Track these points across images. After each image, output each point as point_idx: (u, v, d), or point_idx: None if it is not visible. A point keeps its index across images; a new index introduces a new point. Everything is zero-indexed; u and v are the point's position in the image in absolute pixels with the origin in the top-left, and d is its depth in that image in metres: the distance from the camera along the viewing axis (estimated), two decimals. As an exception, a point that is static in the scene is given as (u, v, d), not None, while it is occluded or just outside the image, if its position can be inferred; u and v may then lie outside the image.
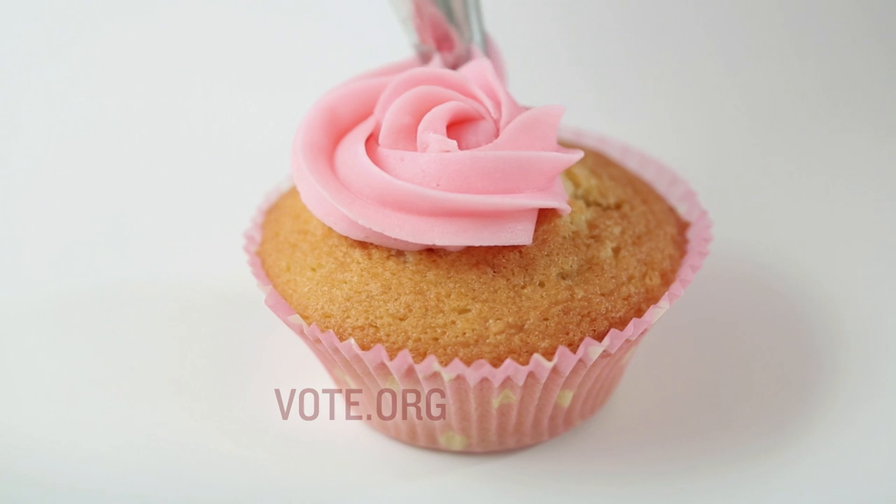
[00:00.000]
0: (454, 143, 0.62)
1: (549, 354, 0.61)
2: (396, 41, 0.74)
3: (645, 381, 0.70)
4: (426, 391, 0.63)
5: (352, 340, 0.62)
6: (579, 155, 0.64)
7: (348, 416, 0.69)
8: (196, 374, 0.71)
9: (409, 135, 0.63)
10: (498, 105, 0.64)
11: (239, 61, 0.88)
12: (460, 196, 0.61)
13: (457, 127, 0.64)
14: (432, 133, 0.62)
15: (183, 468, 0.66)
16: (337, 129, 0.65)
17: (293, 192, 0.69)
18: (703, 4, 0.91)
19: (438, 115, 0.63)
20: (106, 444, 0.67)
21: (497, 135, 0.64)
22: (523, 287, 0.62)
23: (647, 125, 0.75)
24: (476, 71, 0.66)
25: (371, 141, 0.64)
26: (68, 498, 0.65)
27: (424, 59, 0.68)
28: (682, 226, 0.69)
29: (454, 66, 0.67)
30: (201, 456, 0.67)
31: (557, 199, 0.62)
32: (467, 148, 0.63)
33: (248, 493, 0.65)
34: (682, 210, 0.70)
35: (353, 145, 0.64)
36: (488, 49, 0.68)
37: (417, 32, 0.67)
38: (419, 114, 0.63)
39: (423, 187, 0.61)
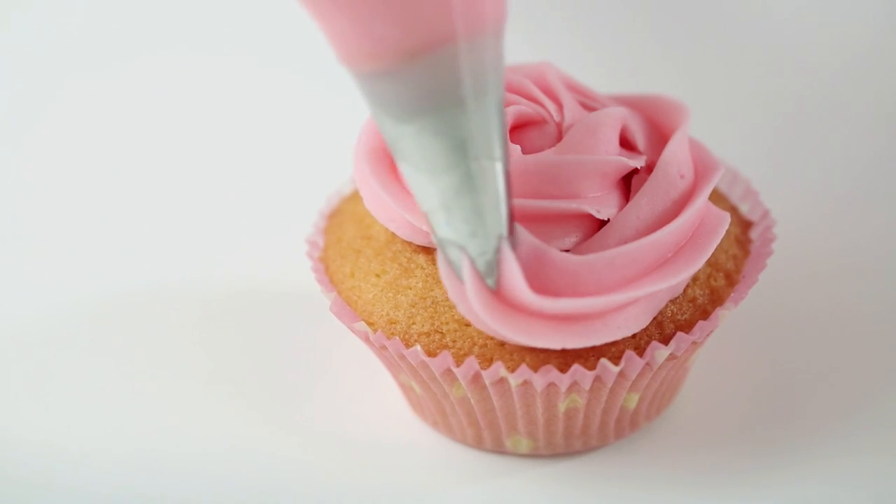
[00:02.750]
0: (518, 147, 0.62)
1: (615, 358, 0.61)
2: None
3: (710, 382, 0.70)
4: (492, 396, 0.63)
5: (418, 347, 0.62)
6: (643, 159, 0.63)
7: (414, 421, 0.69)
8: (260, 380, 0.72)
9: (472, 140, 0.63)
10: (560, 107, 0.64)
11: (304, 64, 0.88)
12: (524, 201, 0.61)
13: (519, 130, 0.64)
14: (496, 138, 0.62)
15: (246, 472, 0.66)
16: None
17: (355, 197, 0.69)
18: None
19: (501, 120, 0.63)
20: (167, 449, 0.68)
21: (559, 138, 0.63)
22: (590, 291, 0.62)
23: (706, 122, 0.74)
24: (537, 74, 0.66)
25: (434, 147, 0.64)
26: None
27: (451, 252, 0.60)
28: (745, 225, 0.68)
29: (490, 265, 0.60)
30: (265, 461, 0.67)
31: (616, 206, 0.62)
32: (530, 152, 0.63)
33: (313, 497, 0.65)
34: (744, 209, 0.70)
35: (417, 150, 0.64)
36: (518, 244, 0.60)
37: (445, 226, 0.59)
38: (482, 118, 0.63)
39: None
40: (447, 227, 0.59)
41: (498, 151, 0.58)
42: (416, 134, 0.57)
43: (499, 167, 0.58)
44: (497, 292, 0.59)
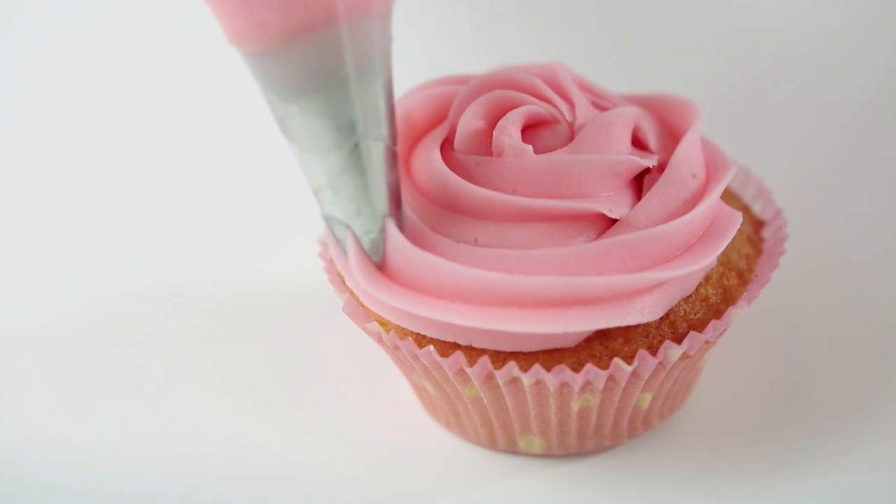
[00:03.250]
0: (530, 147, 0.62)
1: (628, 358, 0.61)
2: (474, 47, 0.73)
3: (723, 381, 0.70)
4: (506, 396, 0.63)
5: (431, 347, 0.62)
6: (655, 158, 0.63)
7: (427, 422, 0.69)
8: (273, 380, 0.72)
9: (483, 139, 0.63)
10: (572, 107, 0.64)
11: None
12: (536, 201, 0.61)
13: (531, 130, 0.64)
14: (507, 138, 0.62)
15: (258, 473, 0.66)
16: (412, 133, 0.66)
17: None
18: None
19: (513, 120, 0.63)
20: (180, 450, 0.68)
21: (572, 138, 0.64)
22: (602, 291, 0.62)
23: (718, 121, 0.74)
24: (549, 73, 0.66)
25: (446, 146, 0.64)
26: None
27: (338, 229, 0.62)
28: (758, 224, 0.68)
29: (376, 243, 0.61)
30: (277, 461, 0.67)
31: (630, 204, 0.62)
32: (542, 152, 0.63)
33: (326, 498, 0.65)
34: (757, 208, 0.70)
35: (429, 150, 0.64)
36: (404, 223, 0.62)
37: (331, 204, 0.61)
38: (493, 118, 0.64)
39: (499, 192, 0.61)
40: (333, 206, 0.60)
41: (384, 132, 0.59)
42: (301, 113, 0.58)
43: (384, 148, 0.60)
44: (383, 268, 0.60)
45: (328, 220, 0.61)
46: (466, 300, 0.59)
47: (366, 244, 0.60)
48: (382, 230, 0.60)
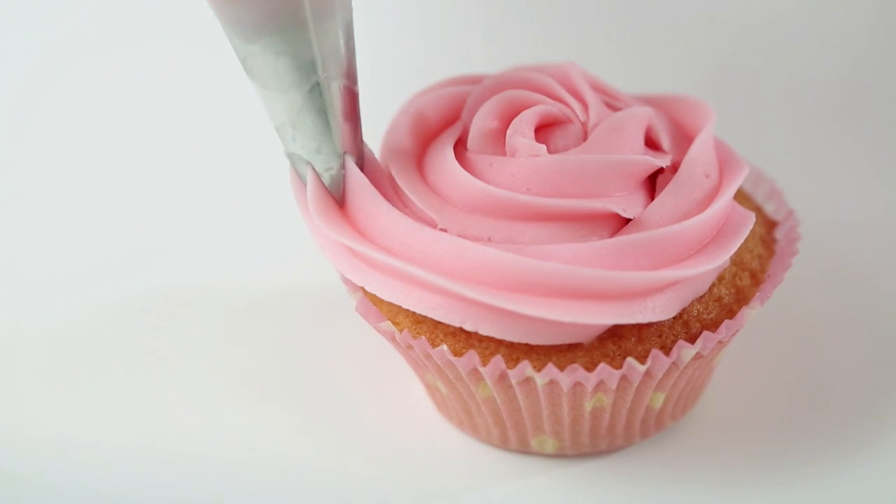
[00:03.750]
0: (543, 147, 0.62)
1: (642, 357, 0.61)
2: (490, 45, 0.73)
3: (735, 381, 0.70)
4: (518, 396, 0.63)
5: (444, 346, 0.62)
6: (668, 158, 0.63)
7: (439, 421, 0.69)
8: (285, 380, 0.72)
9: (497, 139, 0.63)
10: (585, 107, 0.64)
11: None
12: (550, 200, 0.61)
13: (545, 130, 0.64)
14: (521, 137, 0.62)
15: (271, 472, 0.66)
16: (425, 133, 0.66)
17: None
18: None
19: (526, 119, 0.63)
20: (192, 450, 0.68)
21: (585, 138, 0.64)
22: (615, 291, 0.62)
23: (730, 121, 0.74)
24: (562, 74, 0.66)
25: (459, 146, 0.64)
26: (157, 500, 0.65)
27: (300, 165, 0.64)
28: (770, 225, 0.68)
29: (337, 179, 0.63)
30: (289, 461, 0.67)
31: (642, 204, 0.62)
32: (555, 151, 0.63)
33: (338, 498, 0.65)
34: (769, 209, 0.70)
35: (443, 150, 0.64)
36: (366, 160, 0.64)
37: (293, 142, 0.63)
38: (507, 118, 0.64)
39: (513, 192, 0.61)
40: (295, 143, 0.62)
41: (343, 72, 0.61)
42: (262, 52, 0.60)
43: (342, 87, 0.61)
44: (342, 204, 0.62)
45: (290, 157, 0.63)
46: (472, 278, 0.60)
47: (326, 181, 0.62)
48: (342, 167, 0.62)
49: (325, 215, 0.62)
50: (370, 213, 0.62)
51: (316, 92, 0.60)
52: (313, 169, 0.62)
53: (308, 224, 0.63)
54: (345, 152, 0.62)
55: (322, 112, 0.61)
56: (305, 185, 0.63)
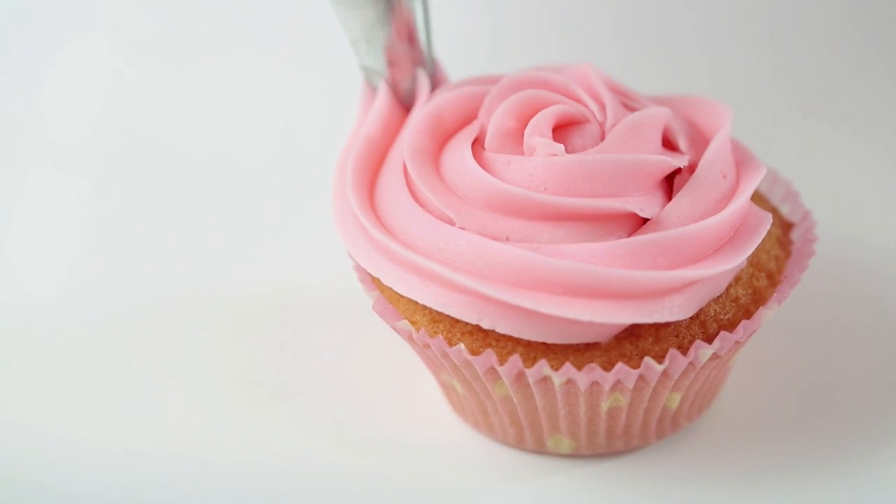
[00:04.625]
0: (561, 146, 0.62)
1: (659, 357, 0.61)
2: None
3: (750, 382, 0.70)
4: (535, 395, 0.63)
5: (462, 345, 0.62)
6: (685, 158, 0.63)
7: (455, 421, 0.69)
8: (300, 379, 0.72)
9: (514, 139, 0.64)
10: (602, 108, 0.64)
11: (349, 65, 0.88)
12: (568, 199, 0.61)
13: (562, 130, 0.64)
14: (539, 137, 0.62)
15: (287, 473, 0.66)
16: (442, 133, 0.66)
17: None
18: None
19: (544, 119, 0.63)
20: (209, 449, 0.68)
21: (602, 138, 0.64)
22: (633, 290, 0.62)
23: (746, 123, 0.74)
24: (580, 75, 0.66)
25: (477, 145, 0.64)
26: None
27: (372, 78, 0.68)
28: (786, 226, 0.68)
29: (409, 91, 0.68)
30: (305, 462, 0.67)
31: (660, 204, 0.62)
32: (573, 151, 0.63)
33: (353, 498, 0.65)
34: (785, 210, 0.70)
35: (460, 149, 0.64)
36: (436, 74, 0.69)
37: (367, 55, 0.67)
38: (525, 117, 0.64)
39: (531, 191, 0.61)
40: (369, 57, 0.66)
41: None
42: None
43: (417, 3, 0.64)
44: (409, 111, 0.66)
45: (365, 70, 0.67)
46: (490, 275, 0.60)
47: (400, 92, 0.66)
48: (414, 79, 0.65)
49: (359, 201, 0.63)
50: (393, 206, 0.62)
51: (388, 7, 0.63)
52: (386, 81, 0.66)
53: (335, 214, 0.64)
54: (416, 66, 0.65)
55: (393, 27, 0.64)
56: (375, 95, 0.66)
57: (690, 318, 0.62)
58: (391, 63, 0.66)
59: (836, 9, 0.89)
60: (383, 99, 0.67)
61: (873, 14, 0.89)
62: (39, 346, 0.75)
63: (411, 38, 0.66)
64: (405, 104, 0.67)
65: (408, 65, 0.66)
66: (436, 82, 0.68)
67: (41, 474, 0.67)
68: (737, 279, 0.63)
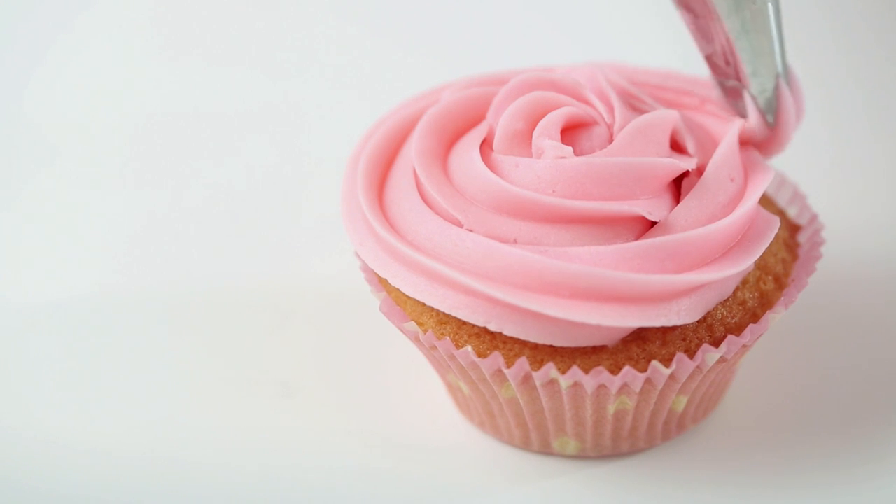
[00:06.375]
0: (570, 149, 0.62)
1: (666, 361, 0.61)
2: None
3: (756, 384, 0.70)
4: (542, 398, 0.63)
5: (469, 348, 0.62)
6: (694, 161, 0.63)
7: (461, 422, 0.69)
8: (307, 380, 0.72)
9: (523, 140, 0.63)
10: (611, 110, 0.64)
11: (361, 65, 0.88)
12: (576, 202, 0.61)
13: (571, 132, 0.64)
14: (547, 139, 0.62)
15: (293, 473, 0.66)
16: (450, 134, 0.66)
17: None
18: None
19: (553, 121, 0.63)
20: (214, 449, 0.68)
21: (611, 140, 0.64)
22: (640, 294, 0.62)
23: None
24: (588, 75, 0.66)
25: (484, 147, 0.64)
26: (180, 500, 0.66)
27: (732, 94, 0.67)
28: (794, 229, 0.68)
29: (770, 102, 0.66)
30: (311, 462, 0.67)
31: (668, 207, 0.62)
32: (581, 154, 0.63)
33: (359, 498, 0.65)
34: (792, 213, 0.70)
35: (468, 151, 0.64)
36: (791, 83, 0.66)
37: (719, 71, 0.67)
38: (533, 119, 0.64)
39: (539, 193, 0.61)
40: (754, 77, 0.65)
41: None
42: None
43: (772, 9, 0.64)
44: (775, 129, 0.65)
45: (721, 84, 0.66)
46: (498, 278, 0.60)
47: (761, 103, 0.65)
48: (776, 88, 0.65)
49: (369, 200, 0.63)
50: (402, 207, 0.62)
51: (754, 15, 0.63)
52: (749, 94, 0.65)
53: (343, 213, 0.64)
54: (779, 73, 0.64)
55: (755, 35, 0.63)
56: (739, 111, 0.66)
57: (697, 321, 0.62)
58: (754, 73, 0.64)
59: (850, 8, 0.89)
60: (755, 120, 0.65)
61: (885, 15, 0.89)
62: (39, 346, 0.75)
63: (774, 42, 0.65)
64: (766, 117, 0.65)
65: (770, 72, 0.65)
66: (792, 86, 0.66)
67: (41, 474, 0.67)
68: (744, 282, 0.63)
